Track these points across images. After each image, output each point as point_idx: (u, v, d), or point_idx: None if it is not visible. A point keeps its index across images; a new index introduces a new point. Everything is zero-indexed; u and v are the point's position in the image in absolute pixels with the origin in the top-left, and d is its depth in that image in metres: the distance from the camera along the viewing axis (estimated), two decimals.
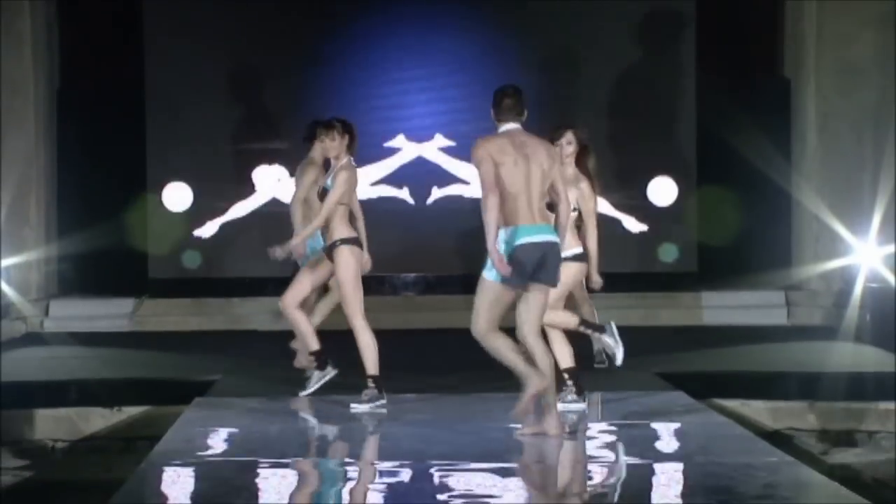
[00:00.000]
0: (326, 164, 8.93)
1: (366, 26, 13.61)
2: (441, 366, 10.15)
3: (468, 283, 11.31)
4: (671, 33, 13.75)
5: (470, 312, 7.20)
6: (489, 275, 7.20)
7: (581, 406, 8.17)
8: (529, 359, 7.21)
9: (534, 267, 7.11)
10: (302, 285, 8.77)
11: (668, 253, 13.67)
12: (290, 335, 9.42)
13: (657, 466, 6.67)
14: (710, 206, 13.61)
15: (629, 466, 6.68)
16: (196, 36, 13.71)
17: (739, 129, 12.88)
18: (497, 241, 7.12)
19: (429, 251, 13.50)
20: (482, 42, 13.62)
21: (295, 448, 7.29)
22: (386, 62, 13.65)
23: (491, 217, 7.10)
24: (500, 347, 7.22)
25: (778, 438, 8.70)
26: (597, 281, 8.44)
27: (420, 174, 13.27)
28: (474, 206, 10.71)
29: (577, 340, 8.39)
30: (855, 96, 12.88)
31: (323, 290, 9.47)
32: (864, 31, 12.82)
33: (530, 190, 7.16)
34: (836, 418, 9.10)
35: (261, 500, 6.12)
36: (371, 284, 13.42)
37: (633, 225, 13.66)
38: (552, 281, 7.24)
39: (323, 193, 8.46)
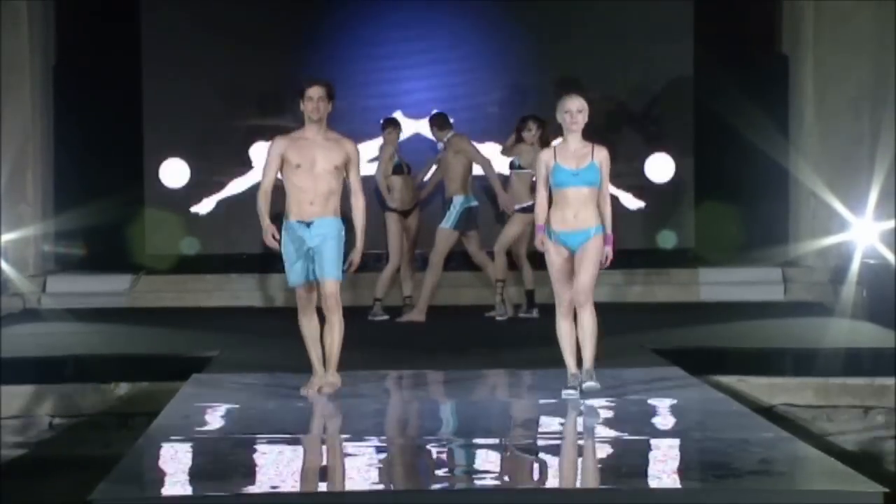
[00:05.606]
0: None
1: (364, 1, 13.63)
2: (447, 342, 10.16)
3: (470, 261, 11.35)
4: (669, 8, 13.71)
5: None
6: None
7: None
8: None
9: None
10: None
11: (667, 239, 13.69)
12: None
13: (653, 442, 6.68)
14: (707, 182, 13.60)
15: (625, 442, 6.69)
16: (193, 10, 13.68)
17: (737, 106, 12.86)
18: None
19: (430, 229, 13.45)
20: (480, 17, 13.59)
21: (293, 424, 7.30)
22: (384, 37, 13.65)
23: None
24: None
25: (774, 414, 8.71)
26: None
27: (417, 150, 13.23)
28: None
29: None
30: (853, 72, 12.85)
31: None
32: (863, 7, 12.78)
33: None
34: (832, 394, 9.11)
35: (258, 477, 6.13)
36: (369, 262, 13.47)
37: (630, 202, 13.68)
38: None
39: None
